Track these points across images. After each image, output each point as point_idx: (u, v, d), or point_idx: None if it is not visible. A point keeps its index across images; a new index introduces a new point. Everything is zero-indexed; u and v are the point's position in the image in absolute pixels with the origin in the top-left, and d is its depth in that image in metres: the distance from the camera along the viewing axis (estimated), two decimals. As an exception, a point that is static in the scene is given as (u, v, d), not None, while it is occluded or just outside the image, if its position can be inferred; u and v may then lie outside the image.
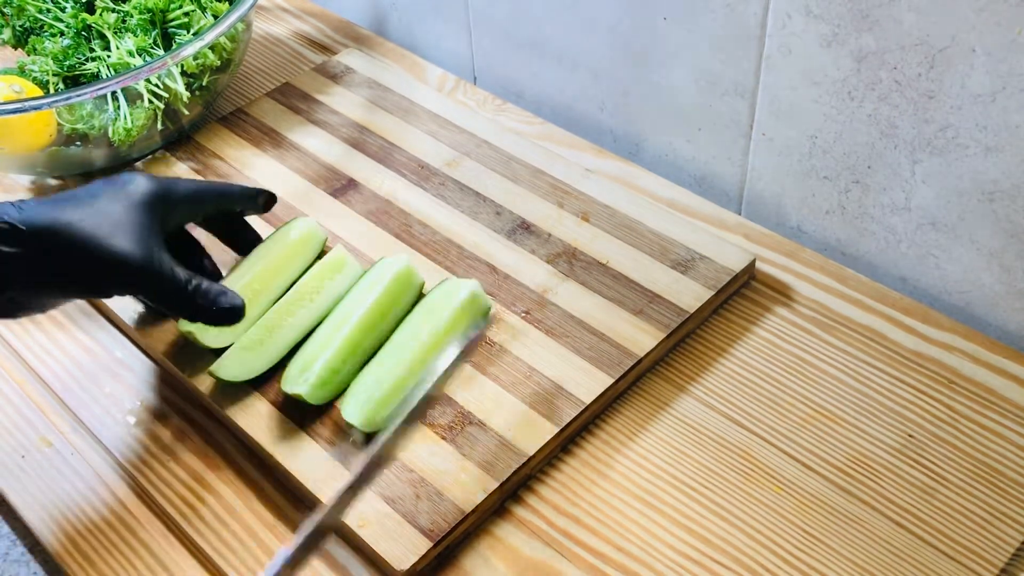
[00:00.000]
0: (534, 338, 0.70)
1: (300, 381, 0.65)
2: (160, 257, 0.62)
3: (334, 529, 0.58)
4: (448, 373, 0.59)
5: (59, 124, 0.83)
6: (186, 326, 0.68)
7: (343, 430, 0.65)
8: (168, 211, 0.65)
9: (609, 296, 0.72)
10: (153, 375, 0.72)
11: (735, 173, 0.84)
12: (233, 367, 0.67)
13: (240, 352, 0.67)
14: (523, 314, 0.71)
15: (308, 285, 0.71)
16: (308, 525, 0.52)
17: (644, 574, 0.59)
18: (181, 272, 0.62)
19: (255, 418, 0.66)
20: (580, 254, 0.75)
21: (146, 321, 0.73)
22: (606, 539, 0.61)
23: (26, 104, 0.77)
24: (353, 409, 0.64)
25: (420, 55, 1.03)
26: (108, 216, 0.61)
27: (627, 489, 0.63)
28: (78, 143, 0.85)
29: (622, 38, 0.84)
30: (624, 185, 0.83)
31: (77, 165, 0.88)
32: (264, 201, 0.73)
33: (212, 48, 0.86)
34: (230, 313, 0.64)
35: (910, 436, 0.64)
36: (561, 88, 0.93)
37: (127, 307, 0.74)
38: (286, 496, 0.64)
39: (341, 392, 0.66)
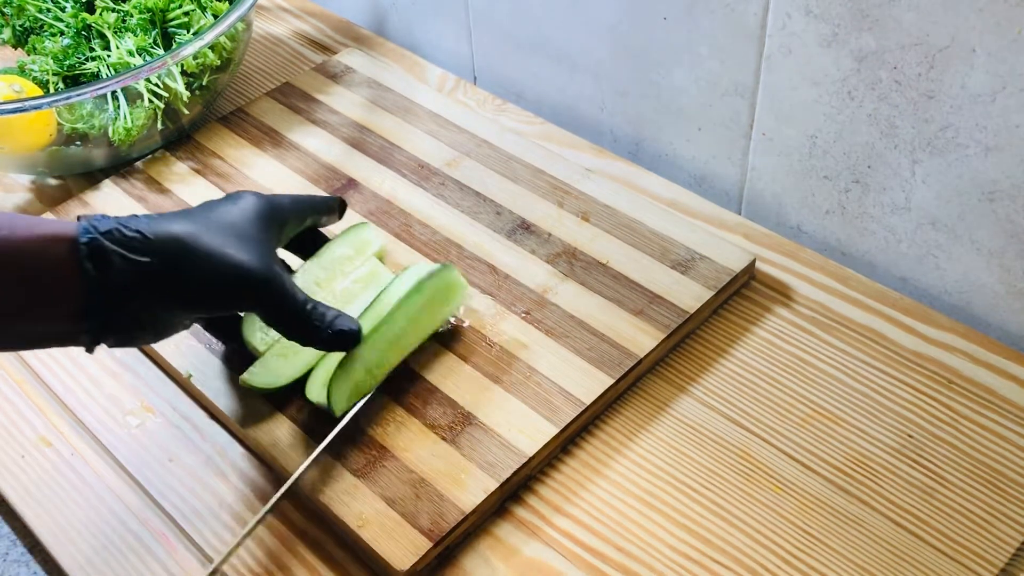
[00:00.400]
0: (534, 338, 0.70)
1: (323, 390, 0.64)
2: (280, 272, 0.60)
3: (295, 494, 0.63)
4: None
5: (59, 124, 0.83)
6: (252, 379, 0.66)
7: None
8: (280, 226, 0.64)
9: (609, 296, 0.72)
10: (153, 375, 0.72)
11: (735, 173, 0.84)
12: (264, 375, 0.66)
13: (272, 359, 0.66)
14: (523, 314, 0.71)
15: (346, 291, 0.70)
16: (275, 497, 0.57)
17: (644, 574, 0.59)
18: (299, 291, 0.61)
19: (255, 418, 0.66)
20: (580, 254, 0.75)
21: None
22: (606, 539, 0.61)
23: (26, 104, 0.77)
24: (317, 389, 0.64)
25: (420, 55, 1.03)
26: (229, 229, 0.59)
27: (627, 489, 0.63)
28: (78, 143, 0.85)
29: (622, 38, 0.84)
30: (624, 185, 0.83)
31: (77, 165, 0.88)
32: (341, 209, 0.71)
33: (212, 48, 0.86)
34: (344, 337, 0.61)
35: (910, 436, 0.64)
36: (561, 88, 0.93)
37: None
38: (287, 497, 0.64)
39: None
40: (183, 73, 0.86)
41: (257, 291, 0.58)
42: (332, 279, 0.71)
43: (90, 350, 0.56)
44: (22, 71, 0.87)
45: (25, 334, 0.55)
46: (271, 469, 0.65)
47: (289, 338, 0.61)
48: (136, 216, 0.57)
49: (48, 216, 0.83)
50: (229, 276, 0.57)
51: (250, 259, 0.58)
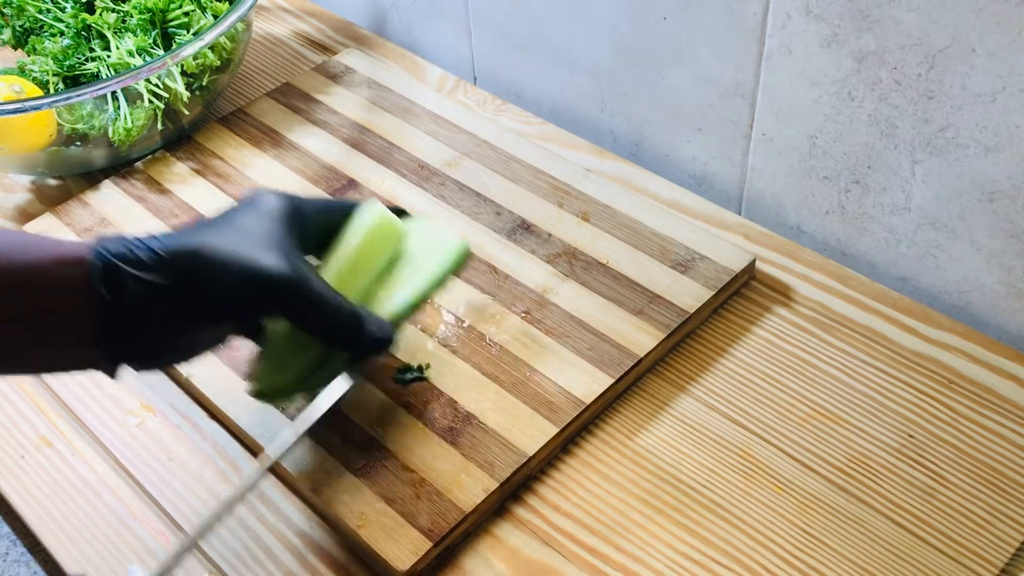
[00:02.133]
0: (534, 338, 0.70)
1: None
2: (308, 272, 0.56)
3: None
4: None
5: (59, 124, 0.83)
6: (260, 384, 0.62)
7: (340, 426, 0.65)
8: (304, 226, 0.60)
9: (609, 296, 0.72)
10: (153, 375, 0.72)
11: (735, 173, 0.84)
12: (269, 379, 0.62)
13: (271, 367, 0.63)
14: (523, 314, 0.71)
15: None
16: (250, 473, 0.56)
17: (644, 574, 0.59)
18: (330, 291, 0.57)
19: (255, 417, 0.66)
20: (580, 254, 0.75)
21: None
22: (606, 539, 0.61)
23: (26, 104, 0.77)
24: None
25: (420, 55, 1.03)
26: (249, 234, 0.56)
27: (627, 489, 0.63)
28: (78, 143, 0.85)
29: (622, 38, 0.84)
30: (624, 185, 0.83)
31: (77, 165, 0.88)
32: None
33: (212, 48, 0.86)
34: (379, 343, 0.59)
35: (910, 436, 0.64)
36: (561, 88, 0.93)
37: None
38: (287, 497, 0.64)
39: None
40: (183, 73, 0.86)
41: (285, 293, 0.55)
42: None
43: (112, 375, 0.55)
44: (22, 72, 0.87)
45: (42, 360, 0.54)
46: (271, 469, 0.65)
47: (318, 340, 0.59)
48: (153, 236, 0.55)
49: (48, 215, 0.83)
50: (251, 283, 0.54)
51: (273, 261, 0.55)
